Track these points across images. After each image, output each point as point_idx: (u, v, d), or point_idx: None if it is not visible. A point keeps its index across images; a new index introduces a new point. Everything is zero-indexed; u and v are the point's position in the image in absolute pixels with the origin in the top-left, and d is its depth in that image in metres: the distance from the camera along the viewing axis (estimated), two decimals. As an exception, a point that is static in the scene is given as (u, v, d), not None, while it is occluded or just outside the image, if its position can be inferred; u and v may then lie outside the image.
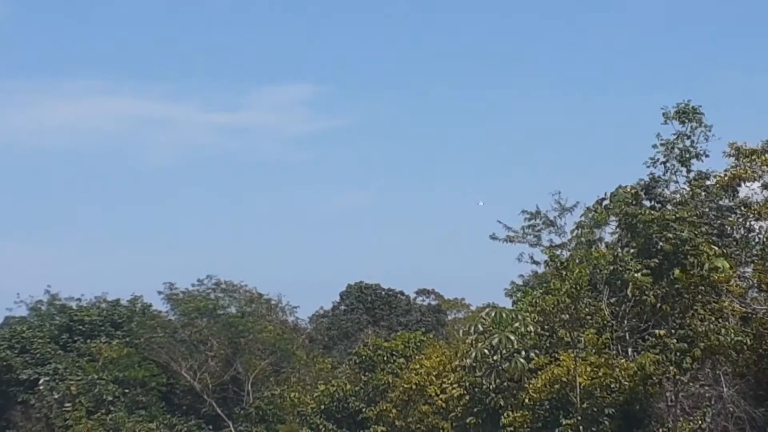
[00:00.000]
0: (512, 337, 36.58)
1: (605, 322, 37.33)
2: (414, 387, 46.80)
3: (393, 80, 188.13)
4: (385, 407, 49.15)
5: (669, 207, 36.86)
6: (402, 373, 49.31)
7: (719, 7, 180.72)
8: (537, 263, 42.09)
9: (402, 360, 51.01)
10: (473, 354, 38.43)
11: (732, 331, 33.48)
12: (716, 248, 34.66)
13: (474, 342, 38.68)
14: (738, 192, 38.28)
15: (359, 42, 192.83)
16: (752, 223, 38.49)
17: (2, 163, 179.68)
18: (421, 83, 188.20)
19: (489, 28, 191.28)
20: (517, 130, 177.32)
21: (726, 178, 37.73)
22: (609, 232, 39.71)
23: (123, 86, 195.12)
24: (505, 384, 39.23)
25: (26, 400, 66.39)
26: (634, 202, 36.43)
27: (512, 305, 41.82)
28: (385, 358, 52.21)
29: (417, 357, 49.40)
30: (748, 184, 37.48)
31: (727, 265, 34.22)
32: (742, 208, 38.57)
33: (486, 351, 37.67)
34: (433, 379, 45.84)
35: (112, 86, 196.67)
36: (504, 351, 37.10)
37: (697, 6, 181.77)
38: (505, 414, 38.62)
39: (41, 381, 66.53)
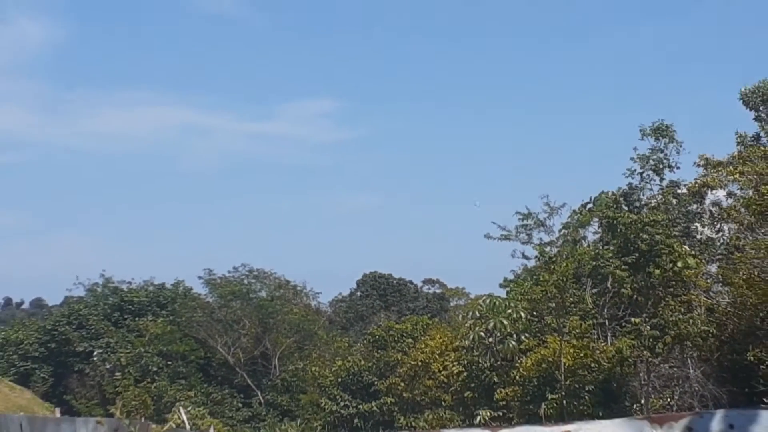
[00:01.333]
0: (505, 322, 36.73)
1: (587, 310, 37.45)
2: (420, 364, 46.91)
3: (404, 97, 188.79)
4: (394, 381, 49.25)
5: (645, 211, 36.89)
6: (410, 351, 49.41)
7: (693, 40, 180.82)
8: (528, 258, 42.19)
9: (410, 340, 51.13)
10: (471, 336, 38.59)
11: (698, 320, 33.54)
12: (687, 248, 34.69)
13: (472, 326, 38.83)
14: (705, 199, 38.35)
15: (376, 63, 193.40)
16: (722, 225, 38.44)
17: (65, 163, 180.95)
18: (430, 100, 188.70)
19: (492, 52, 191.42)
20: (513, 142, 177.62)
21: (696, 185, 37.75)
22: (592, 232, 39.80)
23: (168, 98, 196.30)
24: (499, 363, 39.35)
25: (82, 369, 66.86)
26: (614, 207, 36.48)
27: (506, 294, 41.84)
28: (396, 338, 52.33)
29: (423, 338, 49.50)
30: (714, 192, 37.53)
31: (698, 263, 34.25)
32: (713, 209, 38.49)
33: (482, 334, 37.84)
34: (437, 357, 45.95)
35: (160, 97, 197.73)
36: (498, 334, 37.28)
37: (676, 39, 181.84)
38: (498, 390, 38.78)
39: (95, 353, 66.99)
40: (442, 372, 44.74)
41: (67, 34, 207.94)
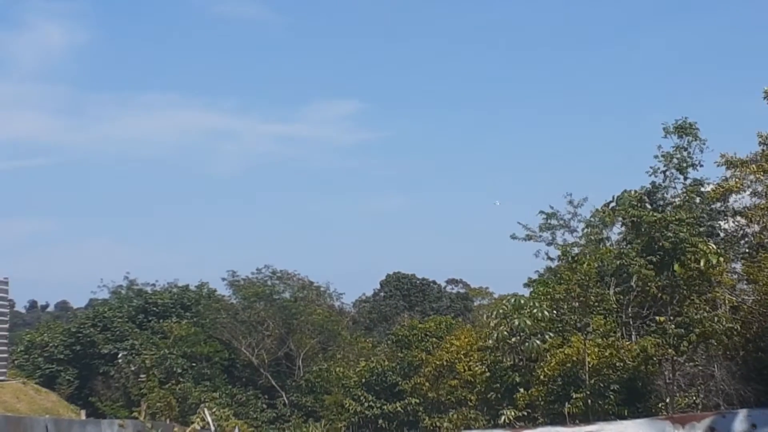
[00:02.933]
0: (529, 322, 36.70)
1: (611, 309, 37.42)
2: (445, 363, 46.98)
3: (428, 98, 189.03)
4: (418, 381, 49.36)
5: (669, 209, 36.73)
6: (434, 350, 49.51)
7: (713, 45, 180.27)
8: (552, 259, 42.18)
9: (434, 340, 51.24)
10: (495, 335, 38.61)
11: (723, 318, 33.39)
12: (713, 246, 34.46)
13: (496, 325, 38.84)
14: (728, 198, 38.16)
15: (399, 65, 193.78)
16: (747, 222, 38.23)
17: (91, 166, 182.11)
18: (453, 101, 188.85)
19: (516, 54, 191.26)
20: (536, 142, 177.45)
21: (720, 188, 37.48)
22: (615, 232, 39.71)
23: (194, 101, 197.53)
24: (523, 362, 39.39)
25: (107, 371, 67.31)
26: (638, 205, 36.34)
27: (530, 294, 41.86)
28: (420, 338, 52.46)
29: (448, 337, 49.59)
30: (737, 192, 37.33)
31: (722, 260, 34.03)
32: (737, 207, 38.27)
33: (506, 333, 37.85)
34: (462, 357, 46.01)
35: (185, 101, 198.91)
36: (522, 333, 37.26)
37: (695, 44, 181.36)
38: (522, 390, 38.84)
39: (120, 355, 67.45)
40: (467, 372, 44.79)
41: (90, 38, 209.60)
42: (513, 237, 41.89)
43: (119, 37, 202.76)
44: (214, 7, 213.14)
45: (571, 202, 40.48)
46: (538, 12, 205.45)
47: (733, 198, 37.76)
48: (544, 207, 41.43)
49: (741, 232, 38.55)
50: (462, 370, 45.32)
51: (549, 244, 41.41)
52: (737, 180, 36.56)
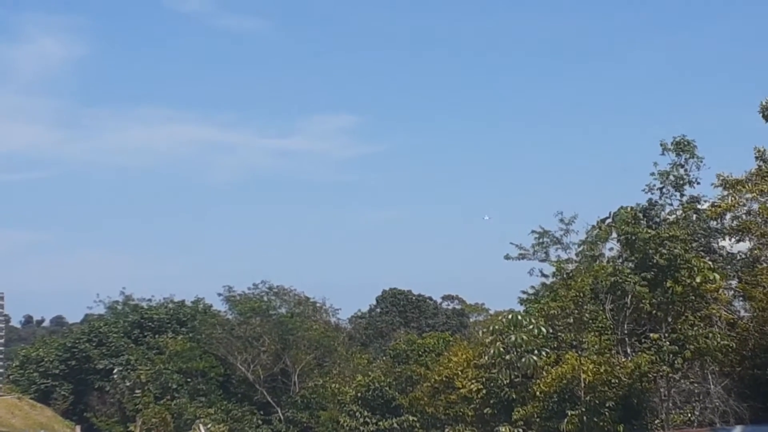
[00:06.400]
0: (525, 338, 36.64)
1: (606, 325, 37.38)
2: (444, 378, 46.85)
3: (424, 113, 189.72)
4: (416, 396, 49.19)
5: (664, 226, 36.75)
6: (433, 366, 49.37)
7: (710, 58, 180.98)
8: (546, 276, 42.17)
9: (432, 355, 51.14)
10: (491, 352, 38.56)
11: (718, 335, 33.41)
12: (709, 263, 34.47)
13: (492, 341, 38.80)
14: (724, 217, 38.15)
15: (395, 79, 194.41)
16: (742, 239, 38.27)
17: (87, 179, 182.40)
18: (449, 117, 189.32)
19: (511, 69, 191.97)
20: (533, 157, 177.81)
21: (716, 210, 37.46)
22: (609, 248, 39.69)
23: (190, 114, 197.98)
24: (518, 379, 39.33)
25: (102, 386, 67.27)
26: (633, 222, 36.36)
27: (524, 311, 41.86)
28: (418, 353, 52.39)
29: (446, 353, 49.46)
30: (734, 212, 37.36)
31: (718, 277, 34.04)
32: (733, 224, 38.26)
33: (501, 349, 37.80)
34: (459, 372, 45.90)
35: (182, 114, 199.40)
36: (518, 350, 37.21)
37: (691, 57, 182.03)
38: (518, 407, 38.76)
39: (115, 370, 67.35)
40: (463, 388, 44.70)
41: (88, 51, 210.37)
42: (507, 257, 41.89)
43: (117, 50, 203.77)
44: (212, 22, 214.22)
45: (562, 220, 40.51)
46: (533, 25, 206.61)
47: (729, 216, 37.78)
48: (539, 222, 41.56)
49: (737, 249, 38.57)
50: (460, 386, 45.21)
51: (543, 261, 41.40)
52: (733, 199, 36.58)
